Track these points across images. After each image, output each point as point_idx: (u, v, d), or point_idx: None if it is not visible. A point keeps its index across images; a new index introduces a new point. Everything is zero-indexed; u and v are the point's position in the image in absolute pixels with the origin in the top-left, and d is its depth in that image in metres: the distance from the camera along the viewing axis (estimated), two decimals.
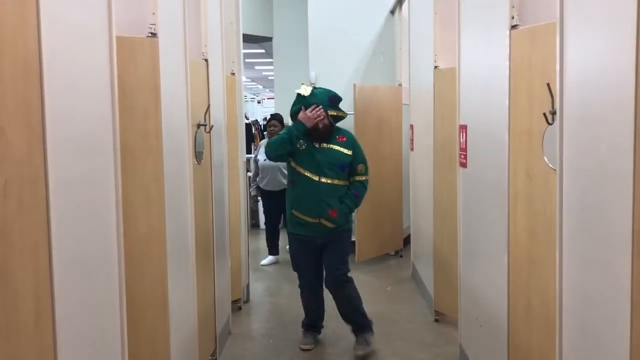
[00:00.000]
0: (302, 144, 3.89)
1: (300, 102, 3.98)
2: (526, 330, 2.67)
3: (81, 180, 1.84)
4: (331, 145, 3.95)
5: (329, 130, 3.97)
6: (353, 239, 5.03)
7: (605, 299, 1.77)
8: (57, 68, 1.66)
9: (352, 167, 4.01)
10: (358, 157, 4.05)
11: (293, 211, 3.98)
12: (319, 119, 3.88)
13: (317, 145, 3.92)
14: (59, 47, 1.68)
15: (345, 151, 3.97)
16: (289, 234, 4.13)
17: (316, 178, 3.87)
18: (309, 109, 3.88)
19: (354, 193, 4.01)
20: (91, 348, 1.92)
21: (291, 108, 4.06)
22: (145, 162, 2.68)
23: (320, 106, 3.90)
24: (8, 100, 1.42)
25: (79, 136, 1.83)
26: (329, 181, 3.89)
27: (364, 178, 4.07)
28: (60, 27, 1.70)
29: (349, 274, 4.05)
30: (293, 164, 3.95)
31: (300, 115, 3.91)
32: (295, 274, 4.24)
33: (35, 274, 1.54)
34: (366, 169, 4.08)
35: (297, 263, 4.17)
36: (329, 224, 3.92)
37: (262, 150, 6.40)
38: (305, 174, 3.89)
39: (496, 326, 2.98)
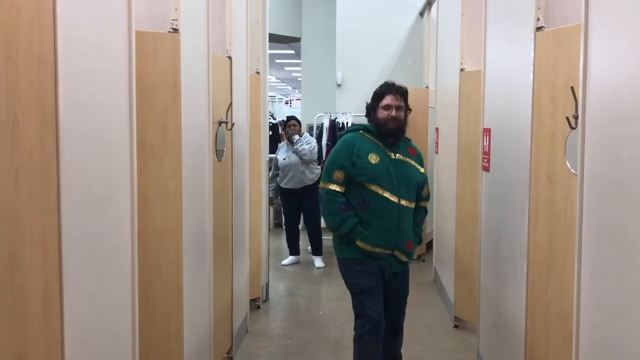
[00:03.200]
0: (375, 157, 3.09)
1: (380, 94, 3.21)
2: (544, 339, 2.61)
3: (95, 172, 1.85)
4: (407, 158, 3.18)
5: (401, 131, 3.21)
6: None
7: (625, 309, 1.71)
8: (72, 58, 1.67)
9: (419, 189, 3.24)
10: (426, 177, 3.32)
11: (359, 242, 3.07)
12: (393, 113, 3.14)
13: (392, 156, 3.13)
14: (75, 37, 1.69)
15: (420, 168, 3.23)
16: (347, 260, 3.17)
17: (395, 200, 3.06)
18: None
19: (420, 221, 3.29)
20: (100, 339, 1.92)
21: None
22: (164, 157, 2.69)
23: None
24: (22, 89, 1.43)
25: (93, 128, 1.84)
26: (406, 204, 3.11)
27: (427, 204, 3.36)
28: (77, 18, 1.71)
29: None
30: (365, 183, 3.08)
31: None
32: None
33: (44, 264, 1.55)
34: (429, 193, 3.38)
35: (365, 296, 3.09)
36: (403, 258, 3.17)
37: (282, 150, 6.41)
38: (385, 195, 3.05)
39: (514, 334, 2.92)
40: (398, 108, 3.16)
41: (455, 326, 4.54)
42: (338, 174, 3.11)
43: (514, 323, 2.93)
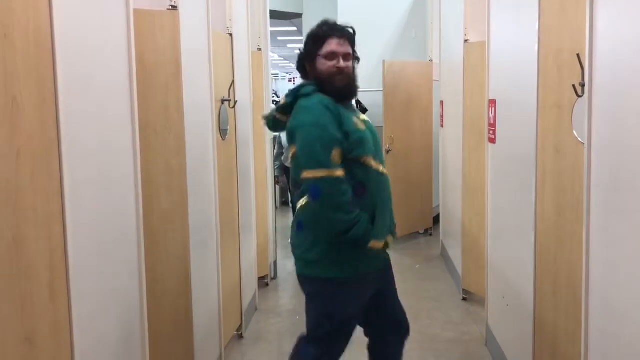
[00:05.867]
0: (357, 121, 2.35)
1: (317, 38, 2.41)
2: (553, 309, 2.60)
3: (96, 153, 1.84)
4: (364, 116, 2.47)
5: (353, 88, 2.45)
6: None
7: (635, 278, 1.70)
8: (70, 38, 1.65)
9: None
10: None
11: (373, 242, 2.28)
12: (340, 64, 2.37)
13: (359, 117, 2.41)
14: (72, 15, 1.67)
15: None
16: (337, 281, 2.33)
17: (386, 172, 2.40)
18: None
19: None
20: (108, 320, 1.93)
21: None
22: (167, 137, 2.67)
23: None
24: (19, 68, 1.41)
25: (94, 109, 1.83)
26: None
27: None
28: None
29: None
30: (360, 158, 2.29)
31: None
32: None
33: (49, 245, 1.55)
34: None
35: (342, 334, 2.40)
36: (390, 240, 2.42)
37: None
38: (379, 169, 2.35)
39: (523, 305, 2.92)
40: (346, 57, 2.38)
41: (464, 299, 4.55)
42: (336, 153, 2.22)
43: (522, 294, 2.92)
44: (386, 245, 2.36)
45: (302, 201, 2.30)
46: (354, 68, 2.43)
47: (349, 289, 2.35)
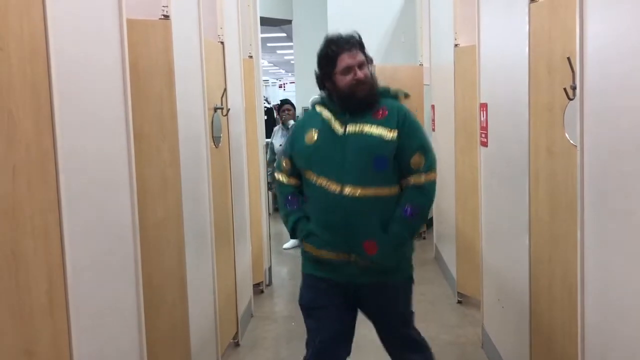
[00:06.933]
0: (312, 135, 2.43)
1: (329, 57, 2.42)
2: (548, 310, 2.62)
3: (93, 163, 1.84)
4: (365, 127, 2.37)
5: (375, 93, 2.44)
6: None
7: (629, 277, 1.72)
8: (65, 49, 1.65)
9: (403, 159, 2.37)
10: (411, 139, 2.38)
11: (306, 245, 2.46)
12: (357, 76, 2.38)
13: (340, 130, 2.39)
14: (66, 28, 1.68)
15: (388, 133, 2.35)
16: (303, 274, 2.57)
17: (336, 188, 2.33)
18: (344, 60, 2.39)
19: (407, 211, 2.35)
20: (106, 330, 1.93)
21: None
22: (161, 146, 2.67)
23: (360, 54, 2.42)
24: (15, 81, 1.42)
25: (89, 119, 1.83)
26: (357, 193, 2.31)
27: (423, 179, 2.37)
28: (67, 8, 1.69)
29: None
30: (302, 170, 2.48)
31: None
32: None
33: (47, 257, 1.55)
34: (429, 159, 2.39)
35: (311, 318, 2.50)
36: (363, 263, 2.38)
37: (278, 135, 6.38)
38: (319, 182, 2.37)
39: (518, 307, 2.93)
40: (361, 65, 2.40)
41: (459, 302, 4.56)
42: (284, 162, 2.55)
43: (518, 296, 2.94)
44: (349, 262, 2.38)
45: None
46: (371, 73, 2.45)
47: (303, 281, 2.58)
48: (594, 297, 1.98)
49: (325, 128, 2.42)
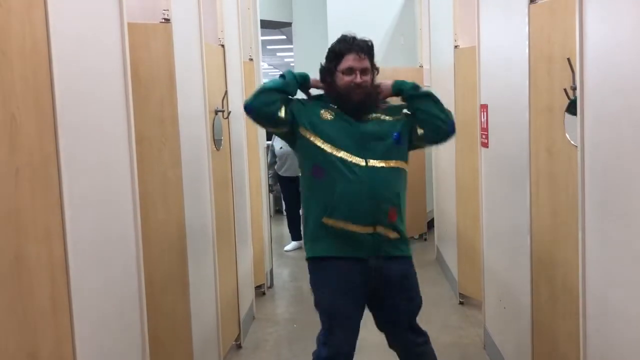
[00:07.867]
0: (329, 114, 2.46)
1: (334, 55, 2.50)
2: (550, 311, 2.62)
3: (95, 167, 1.85)
4: (372, 115, 2.51)
5: (371, 102, 2.51)
6: None
7: (631, 278, 1.72)
8: (66, 53, 1.66)
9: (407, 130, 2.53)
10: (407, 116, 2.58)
11: (325, 218, 2.39)
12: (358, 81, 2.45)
13: (350, 118, 2.47)
14: (68, 32, 1.68)
15: (394, 116, 2.54)
16: (310, 260, 2.56)
17: (361, 162, 2.38)
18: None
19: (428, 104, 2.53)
20: (110, 333, 1.93)
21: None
22: (163, 149, 2.68)
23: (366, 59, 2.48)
24: (17, 86, 1.42)
25: (91, 123, 1.84)
26: (380, 164, 2.40)
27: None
28: (68, 12, 1.70)
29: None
30: (315, 140, 2.42)
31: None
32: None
33: (50, 261, 1.55)
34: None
35: (329, 310, 2.46)
36: (392, 235, 2.43)
37: (278, 137, 6.37)
38: (340, 155, 2.38)
39: (520, 308, 2.93)
40: (364, 71, 2.45)
41: (461, 303, 4.57)
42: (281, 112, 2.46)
43: (519, 297, 2.94)
44: (374, 235, 2.38)
45: None
46: (372, 81, 2.50)
47: (316, 269, 2.55)
48: (595, 298, 1.98)
49: (338, 112, 2.47)
